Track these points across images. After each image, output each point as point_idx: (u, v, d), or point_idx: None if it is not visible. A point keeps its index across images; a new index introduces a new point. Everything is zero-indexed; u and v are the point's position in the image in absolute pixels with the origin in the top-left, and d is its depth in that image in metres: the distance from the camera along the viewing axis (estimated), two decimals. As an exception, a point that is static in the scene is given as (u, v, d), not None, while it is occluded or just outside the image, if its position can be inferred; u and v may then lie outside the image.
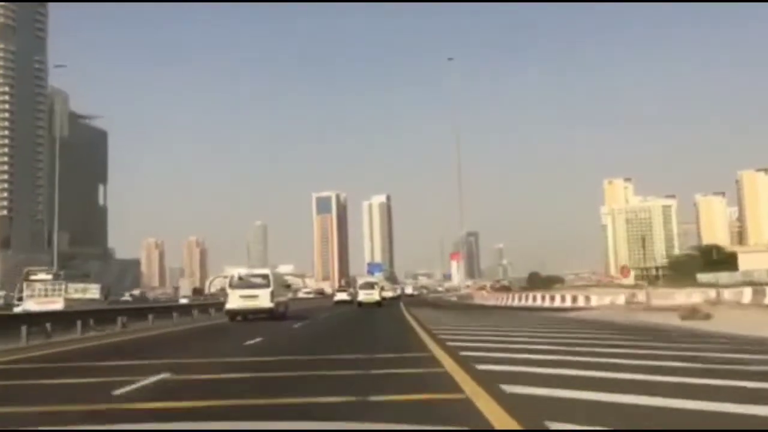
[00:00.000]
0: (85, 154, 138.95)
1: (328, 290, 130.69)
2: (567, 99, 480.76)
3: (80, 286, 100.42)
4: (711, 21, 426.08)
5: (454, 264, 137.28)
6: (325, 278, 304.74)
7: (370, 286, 50.42)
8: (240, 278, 28.98)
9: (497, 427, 5.53)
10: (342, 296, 62.62)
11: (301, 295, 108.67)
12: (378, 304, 46.26)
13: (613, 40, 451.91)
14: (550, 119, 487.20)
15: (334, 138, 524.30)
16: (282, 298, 31.18)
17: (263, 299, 28.32)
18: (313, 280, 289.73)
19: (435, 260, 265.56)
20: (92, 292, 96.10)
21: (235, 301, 28.50)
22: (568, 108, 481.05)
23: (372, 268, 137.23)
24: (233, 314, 28.68)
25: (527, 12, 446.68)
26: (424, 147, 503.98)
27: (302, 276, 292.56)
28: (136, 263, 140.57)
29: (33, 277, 52.11)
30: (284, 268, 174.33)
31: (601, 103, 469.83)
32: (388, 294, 70.17)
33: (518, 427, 5.51)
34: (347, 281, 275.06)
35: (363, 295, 47.91)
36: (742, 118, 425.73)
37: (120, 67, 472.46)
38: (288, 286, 34.43)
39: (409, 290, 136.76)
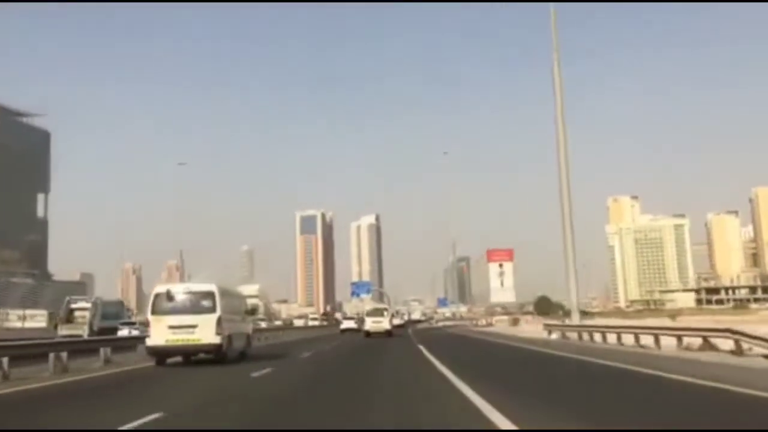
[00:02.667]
0: (23, 157, 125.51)
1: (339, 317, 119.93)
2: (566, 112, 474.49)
3: (20, 312, 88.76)
4: (719, 31, 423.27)
5: (494, 270, 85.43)
6: (309, 304, 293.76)
7: (379, 312, 47.04)
8: (169, 297, 19.22)
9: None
10: (349, 324, 62.61)
11: (311, 323, 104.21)
12: (388, 333, 43.36)
13: (618, 50, 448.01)
14: (544, 134, 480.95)
15: (321, 156, 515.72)
16: (239, 329, 21.51)
17: (205, 331, 18.76)
18: (296, 306, 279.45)
19: (428, 285, 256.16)
20: (37, 319, 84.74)
21: (160, 334, 18.81)
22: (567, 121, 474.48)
23: (358, 288, 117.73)
24: (160, 355, 19.17)
25: (526, 22, 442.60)
26: (416, 167, 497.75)
27: (283, 301, 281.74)
28: (81, 286, 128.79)
29: (73, 306, 48.33)
30: (249, 289, 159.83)
31: (600, 117, 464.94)
32: (396, 321, 66.94)
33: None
34: (332, 307, 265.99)
35: (370, 323, 44.80)
36: (755, 132, 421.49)
37: (76, 69, 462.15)
38: (252, 311, 24.47)
39: (416, 315, 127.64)
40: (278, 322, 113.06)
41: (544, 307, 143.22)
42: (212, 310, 19.00)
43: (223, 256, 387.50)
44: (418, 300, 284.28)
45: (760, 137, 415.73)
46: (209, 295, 19.32)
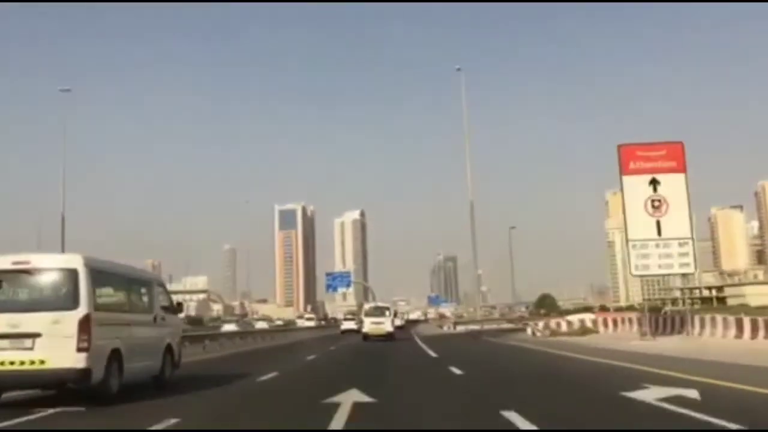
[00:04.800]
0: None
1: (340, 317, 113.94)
2: (560, 104, 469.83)
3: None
4: (721, 23, 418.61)
5: (637, 193, 30.51)
6: (288, 304, 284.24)
7: (379, 311, 42.84)
8: None
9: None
10: (349, 325, 61.61)
11: (307, 323, 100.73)
12: (390, 335, 39.87)
13: (617, 41, 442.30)
14: (537, 125, 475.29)
15: (303, 150, 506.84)
16: (145, 338, 12.65)
17: (55, 344, 9.86)
18: (274, 306, 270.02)
19: (415, 285, 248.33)
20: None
21: None
22: (558, 115, 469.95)
23: (334, 280, 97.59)
24: None
25: (524, 14, 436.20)
26: (404, 162, 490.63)
27: (266, 300, 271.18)
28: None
29: None
30: (194, 281, 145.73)
31: (594, 105, 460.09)
32: (397, 322, 58.87)
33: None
34: (313, 307, 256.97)
35: (369, 324, 41.01)
36: (760, 121, 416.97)
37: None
38: (176, 308, 15.39)
39: (413, 315, 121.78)
40: (279, 322, 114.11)
41: (547, 305, 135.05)
42: (71, 304, 10.05)
43: (204, 254, 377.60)
44: (404, 300, 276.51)
45: (766, 127, 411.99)
46: (67, 276, 10.22)
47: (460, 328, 62.68)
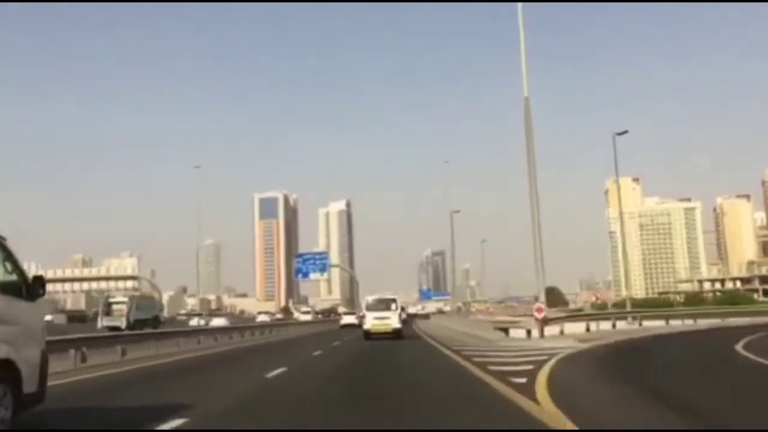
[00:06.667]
0: None
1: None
2: (555, 91, 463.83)
3: None
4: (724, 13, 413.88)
5: None
6: (269, 298, 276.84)
7: (384, 305, 37.75)
8: None
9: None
10: (349, 319, 62.14)
11: (301, 317, 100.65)
12: (397, 333, 35.57)
13: (622, 32, 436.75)
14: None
15: (287, 138, 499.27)
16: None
17: None
18: (254, 300, 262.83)
19: (402, 279, 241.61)
20: None
21: None
22: (552, 104, 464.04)
23: (306, 263, 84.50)
24: None
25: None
26: (391, 152, 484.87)
27: (246, 295, 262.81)
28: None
29: (111, 300, 54.32)
30: (121, 264, 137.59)
31: (592, 96, 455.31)
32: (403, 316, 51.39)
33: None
34: (295, 302, 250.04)
35: (372, 320, 36.40)
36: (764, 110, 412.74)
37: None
38: (30, 288, 7.96)
39: (413, 309, 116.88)
40: (279, 316, 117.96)
41: (555, 300, 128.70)
42: None
43: (186, 250, 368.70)
44: (393, 294, 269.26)
45: None
46: None
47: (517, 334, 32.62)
